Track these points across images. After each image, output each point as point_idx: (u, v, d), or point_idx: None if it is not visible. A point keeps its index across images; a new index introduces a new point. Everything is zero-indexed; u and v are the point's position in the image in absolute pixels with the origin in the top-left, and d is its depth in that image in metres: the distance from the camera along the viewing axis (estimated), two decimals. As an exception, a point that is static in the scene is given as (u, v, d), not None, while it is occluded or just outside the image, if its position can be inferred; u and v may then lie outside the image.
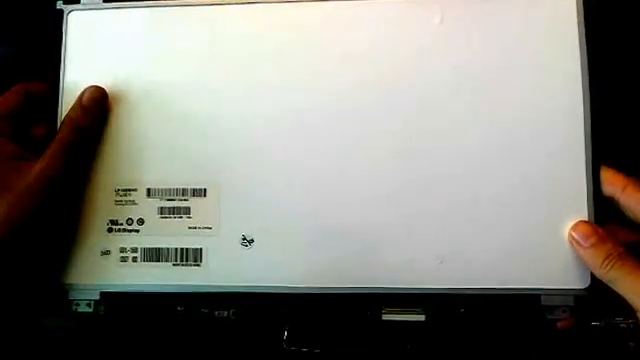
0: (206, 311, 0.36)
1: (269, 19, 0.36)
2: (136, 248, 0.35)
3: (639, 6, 0.37)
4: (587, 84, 0.34)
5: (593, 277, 0.32)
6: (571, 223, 0.33)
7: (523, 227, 0.33)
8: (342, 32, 0.35)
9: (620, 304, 0.30)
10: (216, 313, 0.36)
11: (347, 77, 0.35)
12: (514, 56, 0.34)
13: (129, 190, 0.35)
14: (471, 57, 0.34)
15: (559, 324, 0.33)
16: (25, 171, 0.32)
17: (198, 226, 0.35)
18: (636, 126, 0.37)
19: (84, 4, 0.37)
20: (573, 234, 0.32)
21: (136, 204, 0.35)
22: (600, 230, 0.32)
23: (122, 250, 0.35)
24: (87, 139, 0.35)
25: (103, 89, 0.35)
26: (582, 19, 0.34)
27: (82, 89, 0.35)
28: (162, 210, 0.35)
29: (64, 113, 0.35)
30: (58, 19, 0.37)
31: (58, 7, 0.37)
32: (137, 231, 0.35)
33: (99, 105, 0.35)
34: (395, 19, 0.35)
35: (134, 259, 0.35)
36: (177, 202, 0.35)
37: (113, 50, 0.36)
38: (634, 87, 0.37)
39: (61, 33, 0.36)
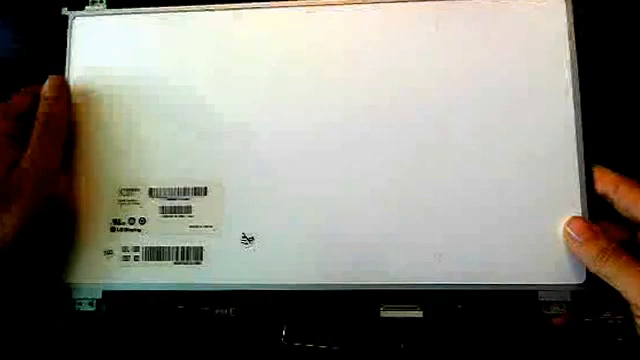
0: (207, 309, 0.36)
1: (269, 24, 0.37)
2: (138, 247, 0.35)
3: (631, 6, 0.38)
4: (578, 84, 0.34)
5: (589, 272, 0.33)
6: (566, 220, 0.33)
7: (519, 224, 0.34)
8: (342, 39, 0.36)
9: (614, 298, 0.31)
10: (217, 311, 0.36)
11: (345, 81, 0.36)
12: (507, 59, 0.35)
13: (132, 190, 0.36)
14: (466, 63, 0.35)
15: (554, 320, 0.34)
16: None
17: (199, 225, 0.35)
18: (629, 125, 0.37)
19: (89, 10, 0.38)
20: (568, 230, 0.33)
21: (138, 204, 0.36)
22: (594, 226, 0.33)
23: (124, 249, 0.35)
24: (57, 124, 0.35)
25: (59, 77, 0.36)
26: (572, 20, 0.35)
27: (86, 94, 0.36)
28: (164, 209, 0.36)
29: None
30: (63, 25, 0.37)
31: (63, 13, 0.38)
32: (139, 230, 0.35)
33: (56, 90, 0.36)
34: (390, 27, 0.36)
35: (136, 258, 0.35)
36: (178, 201, 0.36)
37: (117, 55, 0.37)
38: (626, 86, 0.38)
39: (66, 39, 0.37)
